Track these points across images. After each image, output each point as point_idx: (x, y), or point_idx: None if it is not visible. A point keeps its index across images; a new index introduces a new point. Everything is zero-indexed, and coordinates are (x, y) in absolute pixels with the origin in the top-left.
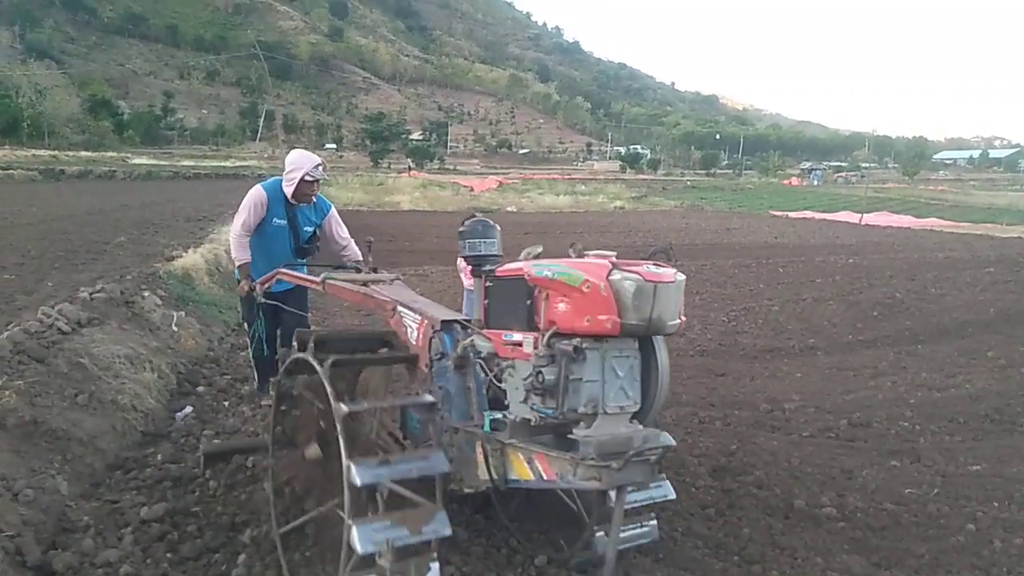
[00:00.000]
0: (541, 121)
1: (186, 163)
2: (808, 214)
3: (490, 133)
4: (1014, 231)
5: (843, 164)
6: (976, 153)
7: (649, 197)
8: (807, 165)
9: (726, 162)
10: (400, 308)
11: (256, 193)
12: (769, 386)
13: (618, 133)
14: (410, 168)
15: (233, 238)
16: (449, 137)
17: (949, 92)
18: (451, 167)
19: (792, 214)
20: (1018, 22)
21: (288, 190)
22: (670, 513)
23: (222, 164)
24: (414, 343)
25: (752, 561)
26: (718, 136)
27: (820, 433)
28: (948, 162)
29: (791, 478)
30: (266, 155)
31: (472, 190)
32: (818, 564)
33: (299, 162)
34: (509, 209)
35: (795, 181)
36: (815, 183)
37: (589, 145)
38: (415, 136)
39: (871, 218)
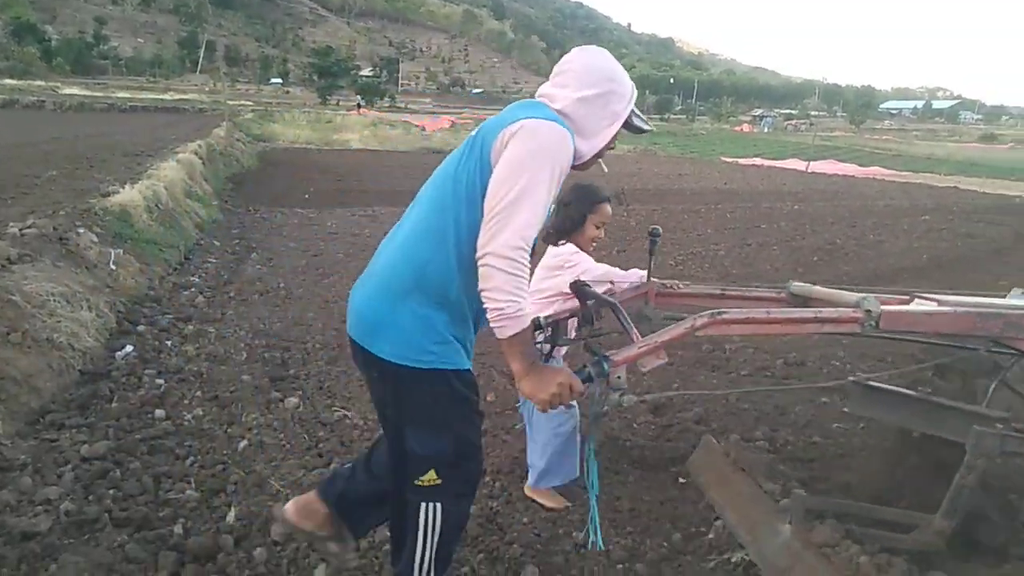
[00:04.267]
0: (495, 60)
1: (121, 95)
2: (758, 161)
3: (443, 71)
4: (951, 180)
5: (793, 111)
6: (920, 104)
7: None
8: (759, 112)
9: (680, 107)
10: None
11: (560, 137)
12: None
13: None
14: (359, 106)
15: (507, 262)
16: (400, 74)
17: (897, 42)
18: (402, 105)
19: (742, 160)
20: None
21: (596, 139)
22: (608, 447)
23: (160, 97)
24: None
25: (685, 475)
26: (672, 80)
27: (757, 372)
28: (894, 112)
29: (728, 414)
30: (207, 88)
31: (424, 129)
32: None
33: (619, 83)
34: None
35: (746, 128)
36: (765, 130)
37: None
38: (365, 72)
39: (817, 166)
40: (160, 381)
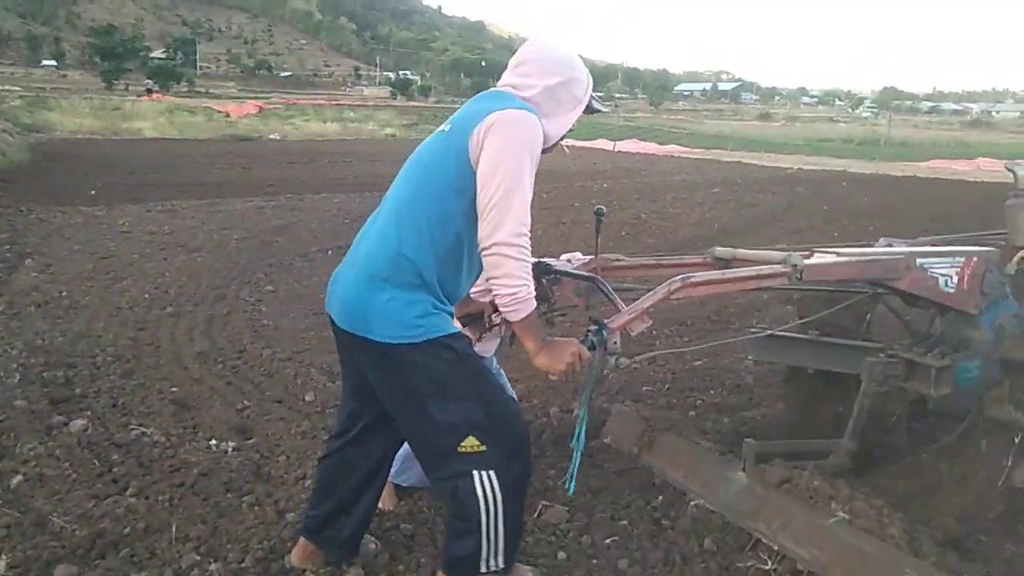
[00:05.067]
0: (303, 42)
1: None
2: (569, 141)
3: (246, 53)
4: (736, 156)
5: (600, 93)
6: (708, 86)
7: (421, 125)
8: None
9: None
10: (920, 260)
11: (534, 124)
12: None
13: (387, 58)
14: (150, 91)
15: (515, 249)
16: (199, 56)
17: (687, 28)
18: (203, 90)
19: None
20: None
21: (560, 124)
22: None
23: None
24: (953, 290)
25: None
26: (483, 64)
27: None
28: (687, 93)
29: (549, 388)
30: None
31: (228, 115)
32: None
33: (579, 70)
34: (272, 137)
35: None
36: None
37: (357, 69)
38: (157, 54)
39: (623, 145)
40: None
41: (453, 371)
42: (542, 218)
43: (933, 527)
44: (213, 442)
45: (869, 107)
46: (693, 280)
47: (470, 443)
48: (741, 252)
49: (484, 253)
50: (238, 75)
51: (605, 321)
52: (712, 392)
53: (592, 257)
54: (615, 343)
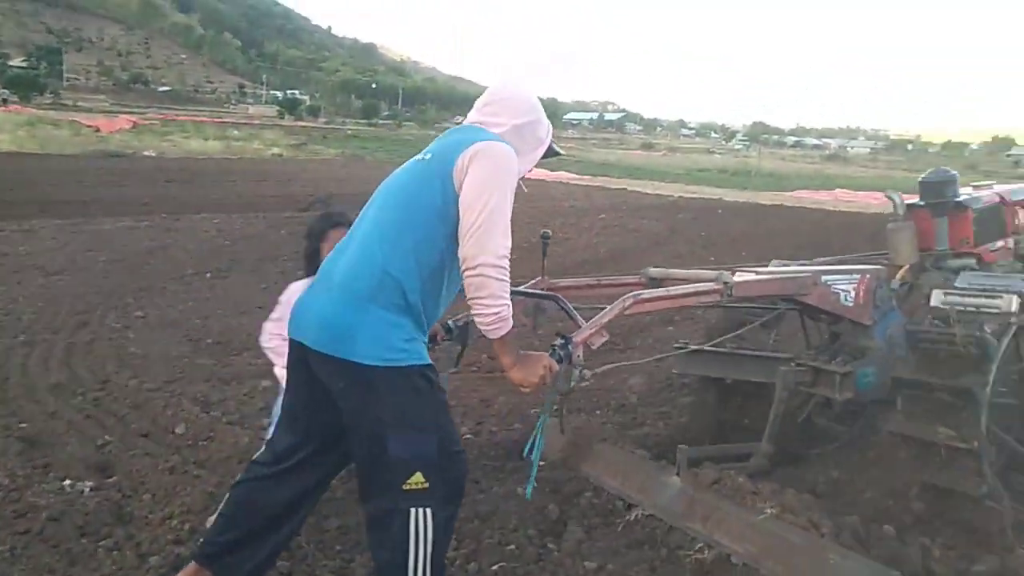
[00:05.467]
0: (184, 56)
1: None
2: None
3: (120, 66)
4: (622, 183)
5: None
6: (595, 115)
7: (309, 145)
8: (460, 118)
9: (387, 112)
10: (825, 278)
11: (514, 158)
12: None
13: (274, 76)
14: (5, 100)
15: (498, 270)
16: (65, 67)
17: (574, 55)
18: (69, 102)
19: None
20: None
21: (524, 162)
22: None
23: None
24: (851, 304)
25: None
26: (374, 85)
27: (466, 368)
28: (575, 122)
29: None
30: None
31: (99, 130)
32: None
33: (542, 113)
34: (147, 153)
35: None
36: None
37: (242, 87)
38: (17, 62)
39: None
40: None
41: (423, 401)
42: None
43: (850, 515)
44: (67, 482)
45: (741, 140)
46: (643, 297)
47: (416, 479)
48: (673, 272)
49: (468, 273)
50: (111, 88)
51: (570, 336)
52: (599, 412)
53: (539, 279)
54: (579, 356)
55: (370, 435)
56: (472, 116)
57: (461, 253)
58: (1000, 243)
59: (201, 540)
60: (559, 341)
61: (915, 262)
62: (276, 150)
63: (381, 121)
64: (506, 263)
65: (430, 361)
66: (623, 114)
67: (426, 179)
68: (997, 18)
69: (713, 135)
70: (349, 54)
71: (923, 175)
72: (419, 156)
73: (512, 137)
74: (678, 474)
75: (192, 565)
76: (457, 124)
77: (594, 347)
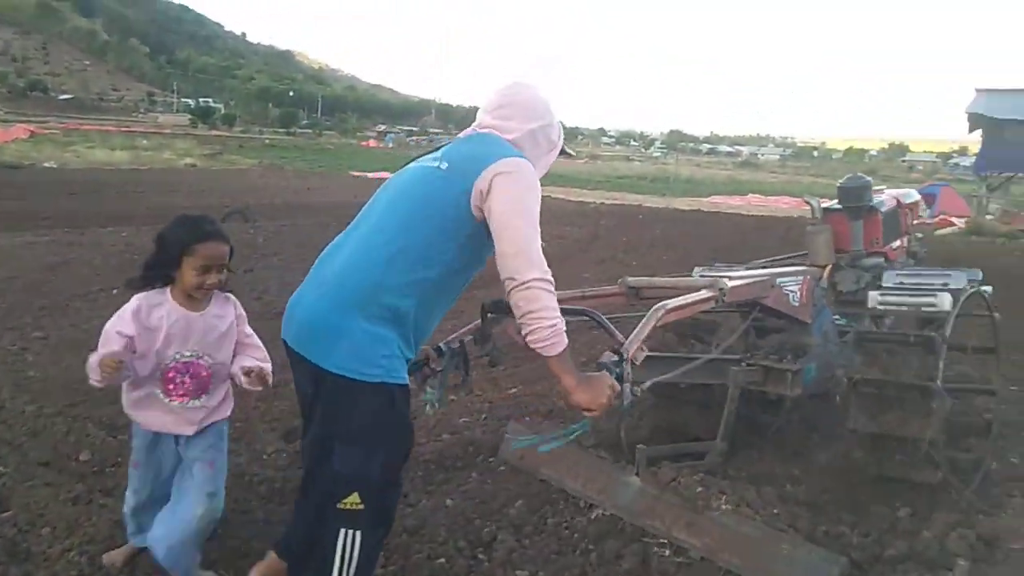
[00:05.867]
0: (87, 63)
1: None
2: (384, 174)
3: (15, 72)
4: (545, 191)
5: (414, 128)
6: None
7: (225, 155)
8: (383, 128)
9: (305, 121)
10: (779, 280)
11: (535, 172)
12: None
13: (186, 83)
14: None
15: (548, 284)
16: None
17: (495, 64)
18: None
19: (371, 174)
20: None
21: (539, 167)
22: (234, 484)
23: None
24: (798, 304)
25: None
26: (292, 93)
27: None
28: None
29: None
30: None
31: None
32: None
33: (554, 115)
34: (47, 164)
35: (372, 143)
36: (390, 145)
37: (151, 95)
38: None
39: None
40: None
41: (381, 422)
42: None
43: (800, 504)
44: None
45: (659, 147)
46: (670, 307)
47: (352, 500)
48: (653, 280)
49: (518, 289)
50: (5, 96)
51: (622, 350)
52: (527, 419)
53: None
54: (628, 372)
55: (322, 441)
56: (484, 120)
57: (505, 273)
58: (898, 242)
59: (283, 532)
60: (613, 358)
61: (833, 262)
62: (189, 160)
63: (300, 130)
64: (552, 279)
65: (405, 381)
66: None
67: (441, 189)
68: (897, 24)
69: (632, 143)
70: (264, 61)
71: (840, 181)
72: (431, 161)
73: (526, 142)
74: (637, 474)
75: (271, 556)
76: (378, 132)
77: (638, 363)
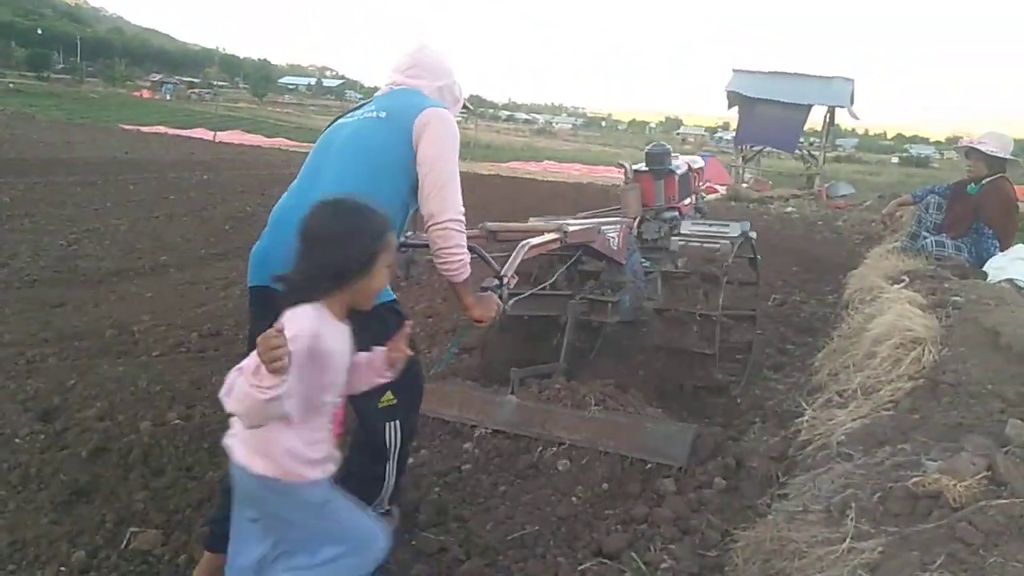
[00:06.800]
0: None
1: None
2: (162, 129)
3: None
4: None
5: (195, 80)
6: (313, 81)
7: None
8: (158, 77)
9: (62, 65)
10: (603, 228)
11: (454, 122)
12: (116, 310)
13: None
14: None
15: (460, 224)
16: None
17: (288, 20)
18: None
19: (145, 128)
20: None
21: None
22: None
23: None
24: (616, 248)
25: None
26: (40, 31)
27: (171, 350)
28: (292, 87)
29: (137, 401)
30: None
31: None
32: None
33: (454, 73)
34: None
35: (146, 94)
36: (168, 97)
37: None
38: None
39: (225, 136)
40: None
41: (390, 325)
42: (128, 213)
43: (629, 394)
44: None
45: (460, 112)
46: (532, 244)
47: (387, 398)
48: (508, 225)
49: (435, 227)
50: None
51: (503, 277)
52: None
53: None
54: (507, 294)
55: None
56: (397, 78)
57: (426, 210)
58: (688, 199)
59: (207, 527)
60: (494, 282)
61: (641, 215)
62: None
63: (55, 76)
64: (464, 218)
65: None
66: (343, 81)
67: (390, 138)
68: (672, 6)
69: None
70: None
71: (647, 148)
72: (368, 113)
73: (437, 97)
74: (513, 392)
75: (207, 555)
76: (153, 82)
77: (511, 287)
